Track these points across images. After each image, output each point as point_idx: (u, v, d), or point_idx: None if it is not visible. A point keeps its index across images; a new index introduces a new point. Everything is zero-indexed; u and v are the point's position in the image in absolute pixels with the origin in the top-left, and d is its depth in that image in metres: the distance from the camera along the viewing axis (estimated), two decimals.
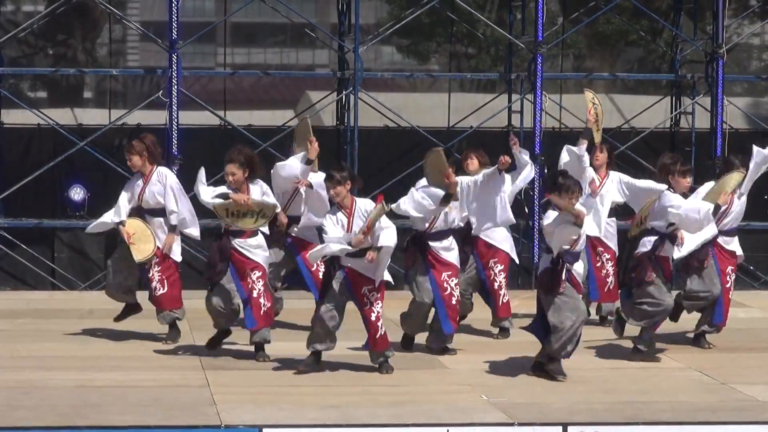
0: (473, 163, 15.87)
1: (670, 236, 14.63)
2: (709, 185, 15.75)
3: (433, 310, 14.96)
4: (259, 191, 14.79)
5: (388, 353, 14.31)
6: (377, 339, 14.15)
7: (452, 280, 14.87)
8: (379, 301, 14.00)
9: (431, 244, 14.86)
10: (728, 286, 15.61)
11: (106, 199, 20.57)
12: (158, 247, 15.48)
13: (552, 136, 21.53)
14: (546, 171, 20.89)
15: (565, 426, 11.93)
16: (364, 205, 14.08)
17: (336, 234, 13.92)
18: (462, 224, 15.40)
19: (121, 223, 15.65)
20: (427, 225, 14.85)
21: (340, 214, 13.98)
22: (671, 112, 22.87)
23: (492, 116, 22.30)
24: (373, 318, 13.97)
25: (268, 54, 25.24)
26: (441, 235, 14.90)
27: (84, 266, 20.33)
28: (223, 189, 14.69)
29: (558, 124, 22.31)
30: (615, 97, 23.48)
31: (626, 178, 16.57)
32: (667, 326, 15.77)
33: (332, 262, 14.08)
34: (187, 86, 21.14)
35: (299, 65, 24.51)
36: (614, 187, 16.49)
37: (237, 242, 14.50)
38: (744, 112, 23.49)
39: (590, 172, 16.24)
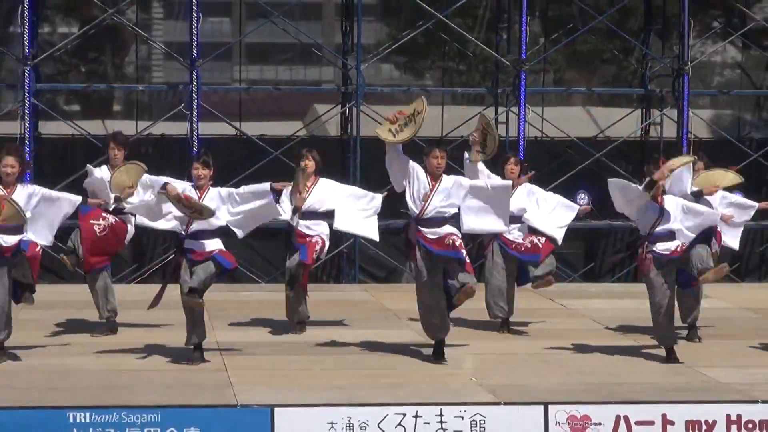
0: (515, 170, 15.80)
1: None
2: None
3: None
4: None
5: None
6: None
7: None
8: None
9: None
10: None
11: None
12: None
13: (534, 144, 21.61)
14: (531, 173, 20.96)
15: (546, 405, 11.89)
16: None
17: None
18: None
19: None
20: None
21: None
22: (642, 123, 22.89)
23: None
24: None
25: (278, 71, 25.23)
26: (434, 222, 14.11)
27: (113, 261, 20.37)
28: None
29: (540, 133, 22.34)
30: (591, 109, 23.50)
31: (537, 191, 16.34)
32: (639, 317, 15.84)
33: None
34: (206, 100, 21.15)
35: (307, 81, 24.47)
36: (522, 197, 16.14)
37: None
38: (707, 123, 23.52)
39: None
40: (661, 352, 14.57)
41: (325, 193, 15.90)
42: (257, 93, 23.13)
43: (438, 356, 14.17)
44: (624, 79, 23.97)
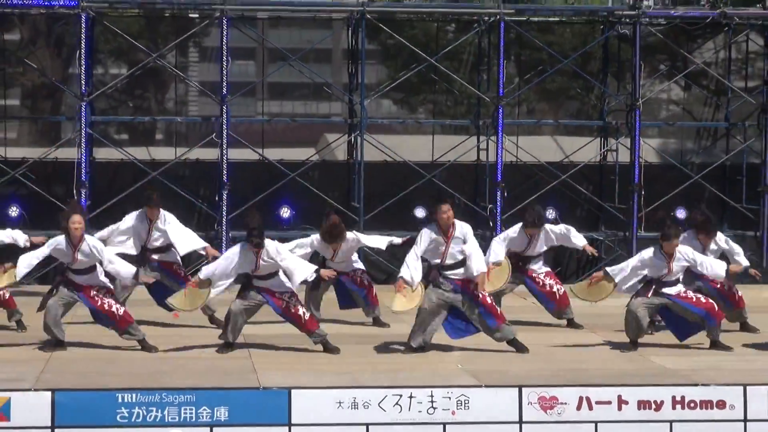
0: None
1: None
2: None
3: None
4: None
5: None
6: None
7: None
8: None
9: None
10: None
11: (174, 215, 20.71)
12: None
13: (510, 168, 21.57)
14: (505, 195, 20.97)
15: (520, 387, 11.92)
16: None
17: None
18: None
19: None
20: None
21: None
22: (600, 150, 22.86)
23: (464, 153, 22.33)
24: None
25: (295, 105, 25.21)
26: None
27: None
28: None
29: (515, 158, 22.32)
30: (558, 138, 23.46)
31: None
32: (600, 313, 15.82)
33: None
34: (234, 130, 21.10)
35: (319, 114, 24.45)
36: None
37: None
38: (655, 150, 23.50)
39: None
40: (618, 343, 14.62)
41: (349, 247, 16.05)
42: (277, 124, 23.13)
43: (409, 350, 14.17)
44: (585, 112, 23.94)
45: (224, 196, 20.33)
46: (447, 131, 23.35)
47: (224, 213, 20.38)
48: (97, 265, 13.94)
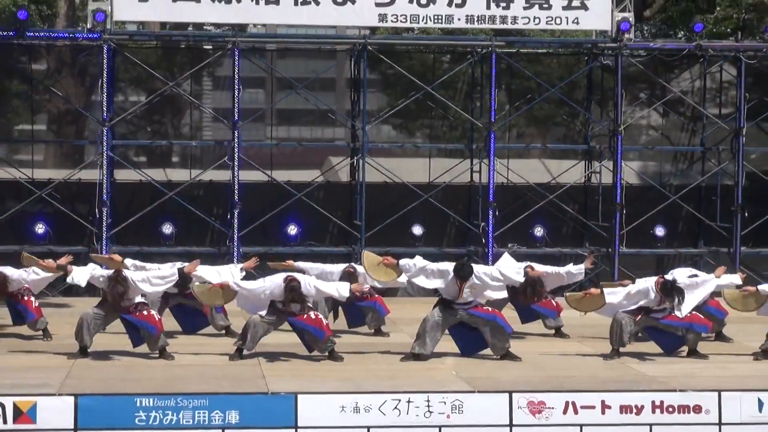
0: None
1: None
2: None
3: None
4: None
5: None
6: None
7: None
8: None
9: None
10: None
11: (188, 233, 20.77)
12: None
13: (501, 189, 21.59)
14: (497, 213, 20.97)
15: (510, 393, 11.93)
16: None
17: None
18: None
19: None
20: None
21: None
22: (585, 172, 22.89)
23: (459, 175, 22.39)
24: None
25: (301, 130, 25.20)
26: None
27: None
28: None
29: (506, 180, 22.33)
30: (546, 161, 23.45)
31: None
32: (584, 324, 15.81)
33: None
34: (245, 153, 21.13)
35: (323, 138, 24.43)
36: None
37: None
38: (636, 172, 23.52)
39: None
40: (601, 352, 14.60)
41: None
42: (285, 147, 23.10)
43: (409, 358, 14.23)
44: (571, 137, 23.93)
45: (236, 215, 20.34)
46: (442, 154, 23.35)
47: (236, 230, 20.37)
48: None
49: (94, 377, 12.80)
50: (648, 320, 14.40)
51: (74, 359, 13.83)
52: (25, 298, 15.47)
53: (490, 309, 14.27)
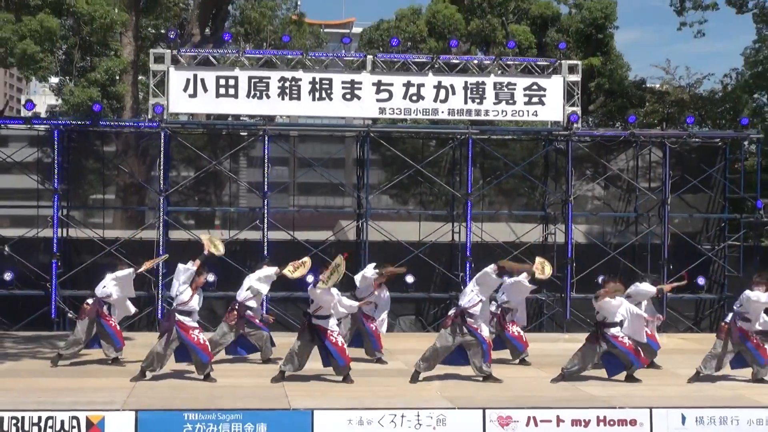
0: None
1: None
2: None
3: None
4: None
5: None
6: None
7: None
8: None
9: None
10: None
11: (228, 281, 20.68)
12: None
13: (477, 246, 21.57)
14: (473, 266, 20.92)
15: (484, 409, 11.90)
16: None
17: None
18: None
19: None
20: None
21: None
22: (543, 233, 22.93)
23: (443, 235, 22.39)
24: None
25: (317, 199, 25.20)
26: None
27: (211, 319, 20.29)
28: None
29: (480, 239, 22.34)
30: (512, 224, 23.45)
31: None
32: (542, 353, 15.68)
33: None
34: (273, 217, 21.18)
35: (335, 205, 24.42)
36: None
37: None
38: (583, 233, 23.54)
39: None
40: (555, 376, 14.55)
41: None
42: (305, 213, 23.14)
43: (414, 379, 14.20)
44: (531, 205, 23.95)
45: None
46: (430, 219, 23.37)
47: None
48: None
49: (151, 396, 12.75)
50: (607, 342, 14.34)
51: (135, 381, 13.80)
52: (113, 323, 15.39)
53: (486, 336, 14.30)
